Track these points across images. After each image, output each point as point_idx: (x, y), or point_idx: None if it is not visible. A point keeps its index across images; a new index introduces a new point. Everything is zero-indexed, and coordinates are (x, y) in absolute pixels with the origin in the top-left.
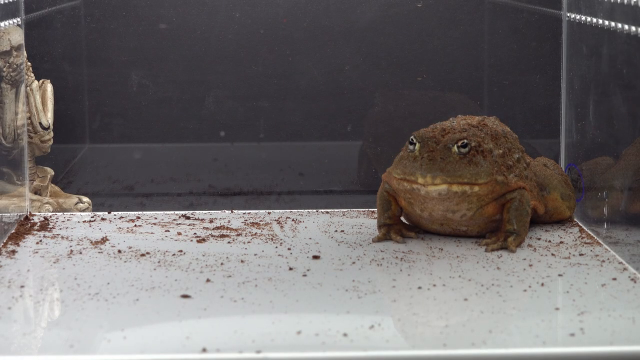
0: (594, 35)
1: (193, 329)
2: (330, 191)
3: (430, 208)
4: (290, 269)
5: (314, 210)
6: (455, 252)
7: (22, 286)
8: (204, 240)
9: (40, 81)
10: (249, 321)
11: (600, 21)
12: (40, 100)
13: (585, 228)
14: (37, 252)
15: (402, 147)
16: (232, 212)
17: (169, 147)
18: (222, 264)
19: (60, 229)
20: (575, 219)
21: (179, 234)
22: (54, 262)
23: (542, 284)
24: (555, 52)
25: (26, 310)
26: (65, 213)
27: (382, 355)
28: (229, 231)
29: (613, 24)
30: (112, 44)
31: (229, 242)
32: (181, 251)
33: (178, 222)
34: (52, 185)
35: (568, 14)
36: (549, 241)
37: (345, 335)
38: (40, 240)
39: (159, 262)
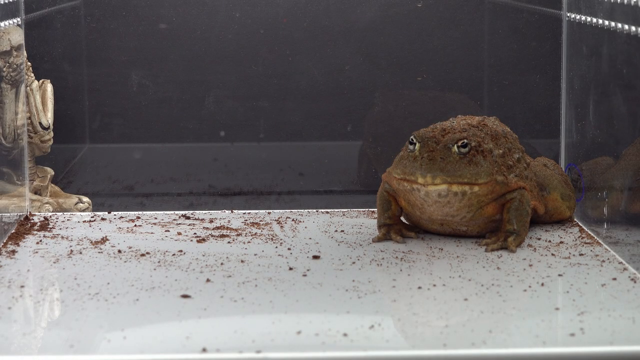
0: (594, 35)
1: (193, 329)
2: (330, 191)
3: (430, 208)
4: (290, 269)
5: (314, 210)
6: (455, 252)
7: (22, 286)
8: (204, 240)
9: (40, 81)
10: (249, 321)
11: (600, 21)
12: (40, 100)
13: (585, 228)
14: (37, 252)
15: (402, 147)
16: (232, 212)
17: (169, 147)
18: (222, 264)
19: (60, 229)
20: (575, 219)
21: (179, 234)
22: (54, 262)
23: (542, 284)
24: (555, 52)
25: (26, 310)
26: (65, 213)
27: (382, 355)
28: (229, 231)
29: (613, 24)
30: (112, 44)
31: (229, 242)
32: (181, 251)
33: (178, 222)
34: (52, 185)
35: (568, 14)
36: (549, 241)
37: (345, 335)
38: (40, 240)
39: (159, 262)
